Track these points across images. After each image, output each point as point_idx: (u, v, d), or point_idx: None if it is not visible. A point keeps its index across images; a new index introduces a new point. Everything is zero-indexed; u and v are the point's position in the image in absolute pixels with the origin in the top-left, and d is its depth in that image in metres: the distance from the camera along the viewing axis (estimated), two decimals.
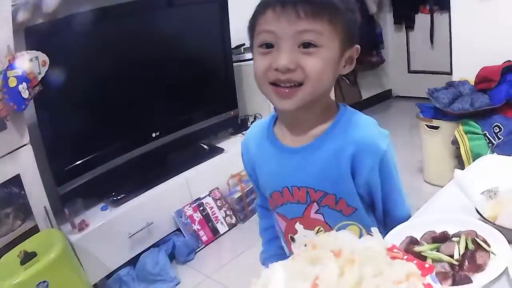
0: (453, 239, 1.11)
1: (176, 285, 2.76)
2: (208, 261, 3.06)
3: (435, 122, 3.35)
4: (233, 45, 3.72)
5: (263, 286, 0.75)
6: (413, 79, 5.24)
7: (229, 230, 3.38)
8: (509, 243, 1.07)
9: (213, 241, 3.26)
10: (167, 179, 3.13)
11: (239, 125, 3.94)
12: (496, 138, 2.81)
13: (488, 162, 1.62)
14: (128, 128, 3.00)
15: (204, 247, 3.21)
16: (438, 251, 1.08)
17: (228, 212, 3.49)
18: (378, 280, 0.69)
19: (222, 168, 3.48)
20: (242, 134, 3.90)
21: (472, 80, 3.31)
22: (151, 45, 3.04)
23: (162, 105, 3.16)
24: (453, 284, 0.94)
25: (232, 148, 3.56)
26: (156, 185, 3.06)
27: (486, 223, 1.19)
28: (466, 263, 1.04)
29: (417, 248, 1.12)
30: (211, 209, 3.34)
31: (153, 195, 3.00)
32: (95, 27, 2.70)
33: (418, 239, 1.12)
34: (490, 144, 2.91)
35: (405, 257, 0.77)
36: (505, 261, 0.98)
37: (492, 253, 1.09)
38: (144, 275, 2.75)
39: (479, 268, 1.04)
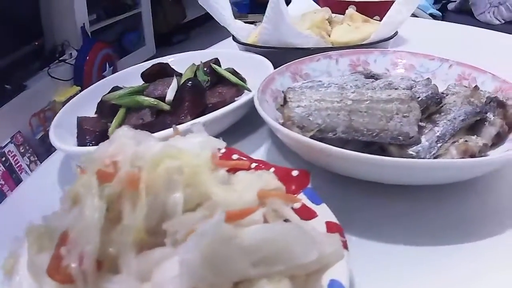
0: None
1: None
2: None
3: (251, 18, 2.85)
4: None
5: None
6: None
7: None
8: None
9: None
10: None
11: (47, 57, 3.08)
12: None
13: None
14: None
15: None
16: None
17: (32, 158, 2.83)
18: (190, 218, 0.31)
19: (24, 108, 2.78)
20: (49, 67, 3.06)
21: None
22: None
23: None
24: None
25: (36, 83, 2.83)
26: None
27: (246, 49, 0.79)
28: (185, 103, 0.60)
29: (105, 97, 0.67)
30: (14, 158, 2.66)
31: None
32: None
33: None
34: None
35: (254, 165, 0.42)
36: None
37: (244, 87, 0.69)
38: None
39: (218, 104, 0.61)
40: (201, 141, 0.39)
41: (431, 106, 0.49)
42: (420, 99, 0.49)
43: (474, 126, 0.51)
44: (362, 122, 0.45)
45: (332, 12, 0.88)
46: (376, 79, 0.57)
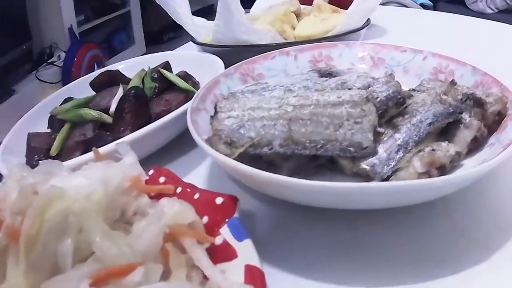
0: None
1: None
2: None
3: None
4: None
5: None
6: None
7: None
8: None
9: None
10: None
11: (36, 61, 2.99)
12: None
13: None
14: None
15: None
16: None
17: None
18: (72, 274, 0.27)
19: (13, 112, 2.58)
20: (38, 70, 3.00)
21: None
22: None
23: None
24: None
25: (24, 87, 2.73)
26: None
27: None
28: (126, 115, 0.53)
29: (53, 111, 0.60)
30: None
31: None
32: None
33: None
34: None
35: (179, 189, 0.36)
36: None
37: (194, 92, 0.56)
38: None
39: (162, 114, 0.52)
40: (105, 173, 0.32)
41: (391, 108, 0.40)
42: (378, 99, 0.40)
43: (447, 130, 0.42)
44: (304, 132, 0.37)
45: (302, 3, 0.80)
46: (335, 77, 0.49)
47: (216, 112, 0.39)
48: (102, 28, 3.34)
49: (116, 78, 0.65)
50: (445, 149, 0.38)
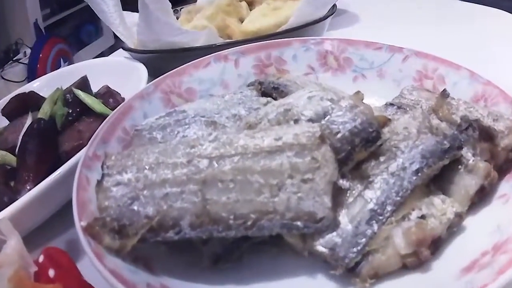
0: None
1: None
2: None
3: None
4: None
5: None
6: None
7: None
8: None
9: None
10: None
11: (2, 59, 2.77)
12: None
13: None
14: None
15: None
16: None
17: None
18: None
19: None
20: (3, 69, 2.85)
21: None
22: None
23: None
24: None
25: None
26: None
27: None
28: (27, 159, 0.40)
29: None
30: None
31: None
32: None
33: None
34: None
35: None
36: None
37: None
38: None
39: (72, 152, 0.38)
40: None
41: (359, 150, 0.26)
42: (339, 136, 0.26)
43: (441, 174, 0.28)
44: (226, 203, 0.23)
45: None
46: (282, 93, 0.34)
47: (102, 176, 0.25)
48: (69, 21, 3.16)
49: (30, 103, 0.50)
50: (440, 212, 0.25)
